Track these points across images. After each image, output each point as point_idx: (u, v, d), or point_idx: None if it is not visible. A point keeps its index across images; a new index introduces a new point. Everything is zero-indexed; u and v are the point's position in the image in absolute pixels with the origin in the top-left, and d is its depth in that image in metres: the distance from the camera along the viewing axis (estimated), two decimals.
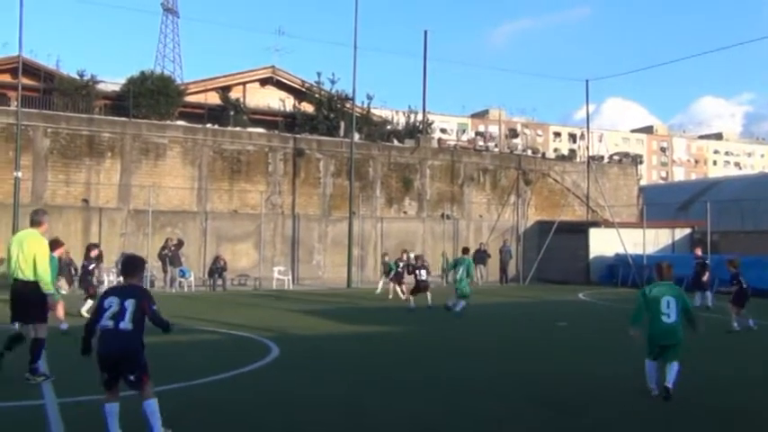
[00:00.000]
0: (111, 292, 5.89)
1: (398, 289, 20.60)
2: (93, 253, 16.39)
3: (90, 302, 14.31)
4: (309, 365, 9.66)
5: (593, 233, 29.95)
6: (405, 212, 29.50)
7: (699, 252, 18.96)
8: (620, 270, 28.39)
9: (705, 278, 17.91)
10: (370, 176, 28.78)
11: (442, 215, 29.89)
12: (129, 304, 5.59)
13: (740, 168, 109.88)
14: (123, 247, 24.27)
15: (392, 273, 21.17)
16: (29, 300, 8.02)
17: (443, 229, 29.50)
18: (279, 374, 8.99)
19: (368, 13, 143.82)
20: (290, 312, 16.54)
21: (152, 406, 5.54)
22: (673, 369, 7.40)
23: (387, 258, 22.59)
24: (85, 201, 23.98)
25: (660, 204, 35.46)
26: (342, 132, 29.13)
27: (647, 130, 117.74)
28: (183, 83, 35.29)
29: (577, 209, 32.95)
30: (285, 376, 8.84)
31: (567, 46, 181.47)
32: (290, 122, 31.55)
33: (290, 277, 25.47)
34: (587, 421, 6.89)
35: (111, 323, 5.54)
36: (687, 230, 31.14)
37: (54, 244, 12.80)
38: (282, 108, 33.94)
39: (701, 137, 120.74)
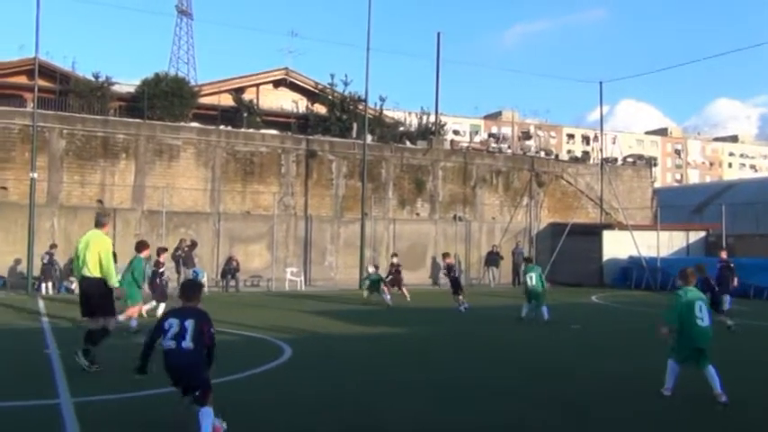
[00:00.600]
0: (171, 314, 6.08)
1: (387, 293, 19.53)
2: (162, 257, 16.32)
3: (162, 306, 14.32)
4: (322, 366, 9.68)
5: (607, 235, 29.80)
6: (417, 214, 29.49)
7: (724, 255, 18.32)
8: (634, 273, 28.26)
9: (735, 282, 17.38)
10: (383, 178, 28.80)
11: (455, 217, 29.85)
12: (189, 324, 5.84)
13: (756, 171, 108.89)
14: None
15: (377, 283, 20.04)
16: (96, 295, 8.79)
17: (456, 230, 29.46)
18: (292, 375, 9.01)
19: (381, 15, 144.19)
20: (303, 313, 16.57)
21: (207, 413, 5.76)
22: (713, 374, 7.45)
23: (372, 270, 21.47)
24: (100, 201, 24.16)
25: (674, 207, 35.20)
26: (354, 134, 29.18)
27: (662, 132, 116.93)
28: (197, 84, 35.48)
29: (591, 211, 32.80)
30: (298, 377, 8.87)
31: (581, 47, 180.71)
32: (303, 124, 31.66)
33: (303, 278, 25.54)
34: (603, 420, 6.85)
35: (173, 343, 5.78)
36: (702, 233, 30.90)
37: (141, 245, 13.07)
38: (295, 110, 34.05)
39: (716, 139, 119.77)
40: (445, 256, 19.48)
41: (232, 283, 23.75)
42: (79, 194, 23.93)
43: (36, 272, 21.28)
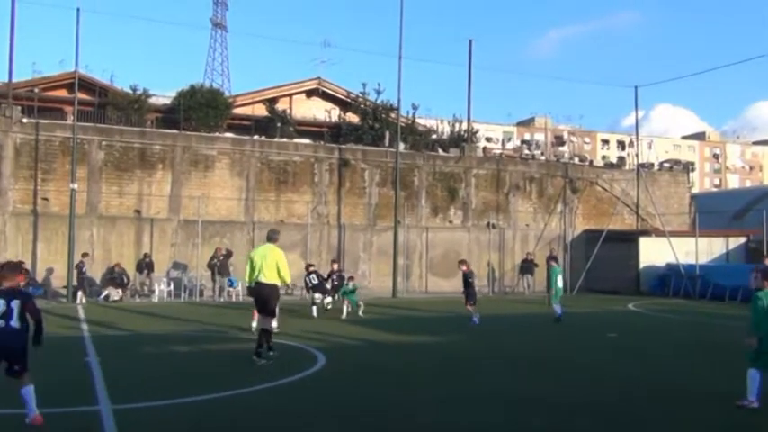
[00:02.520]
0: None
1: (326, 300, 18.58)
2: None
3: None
4: (355, 375, 9.70)
5: (644, 242, 29.32)
6: (450, 222, 29.41)
7: None
8: (672, 280, 27.71)
9: None
10: (415, 186, 28.81)
11: (488, 224, 29.69)
12: (15, 305, 6.34)
13: None
14: (174, 257, 24.83)
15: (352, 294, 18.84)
16: (269, 297, 10.51)
17: (489, 238, 29.29)
18: (325, 384, 9.04)
19: (413, 23, 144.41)
20: (336, 321, 16.62)
21: (29, 391, 6.37)
22: None
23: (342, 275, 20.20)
24: (137, 212, 24.60)
25: (713, 213, 34.45)
26: (387, 142, 29.24)
27: (699, 136, 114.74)
28: (231, 95, 35.93)
29: (627, 217, 32.33)
30: (331, 386, 8.89)
31: (615, 52, 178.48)
32: (336, 133, 31.83)
33: None
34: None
35: (2, 322, 6.28)
36: (742, 239, 30.22)
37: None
38: (328, 119, 34.28)
39: (756, 143, 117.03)
40: (461, 263, 17.75)
41: None
42: (117, 205, 24.40)
43: (74, 281, 21.72)
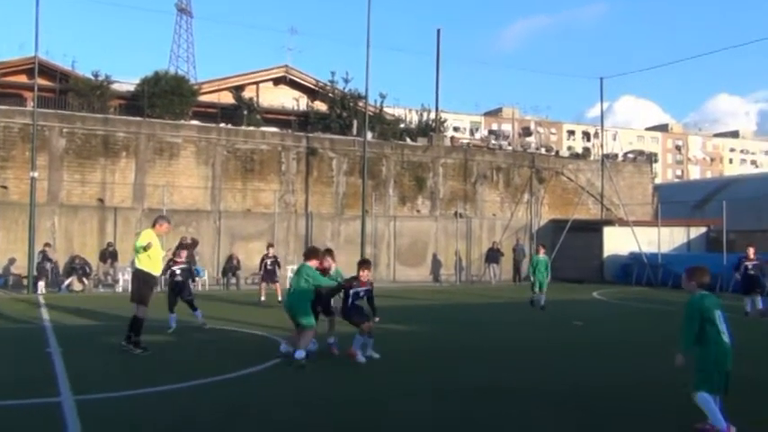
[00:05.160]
0: None
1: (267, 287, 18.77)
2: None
3: None
4: (321, 365, 9.67)
5: (608, 232, 29.80)
6: (418, 211, 29.49)
7: (752, 252, 16.62)
8: (635, 269, 28.24)
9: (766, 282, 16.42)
10: (383, 175, 28.80)
11: (455, 214, 29.84)
12: None
13: (756, 166, 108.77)
14: None
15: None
16: (137, 283, 10.18)
17: (456, 227, 29.45)
18: (291, 373, 9.00)
19: (381, 12, 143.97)
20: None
21: None
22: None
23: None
24: (101, 200, 24.17)
25: (675, 203, 35.15)
26: (355, 131, 29.17)
27: (662, 128, 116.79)
28: (197, 82, 35.49)
29: (591, 207, 32.79)
30: (297, 375, 8.86)
31: (582, 44, 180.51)
32: (303, 121, 31.67)
33: None
34: (606, 418, 6.85)
35: None
36: (703, 229, 30.89)
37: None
38: (296, 107, 34.05)
39: (717, 135, 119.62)
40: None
41: (233, 280, 23.76)
42: (79, 193, 23.94)
43: (34, 271, 21.28)
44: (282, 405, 7.22)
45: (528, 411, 7.07)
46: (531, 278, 18.11)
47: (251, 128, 28.13)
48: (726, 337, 6.06)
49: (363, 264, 10.45)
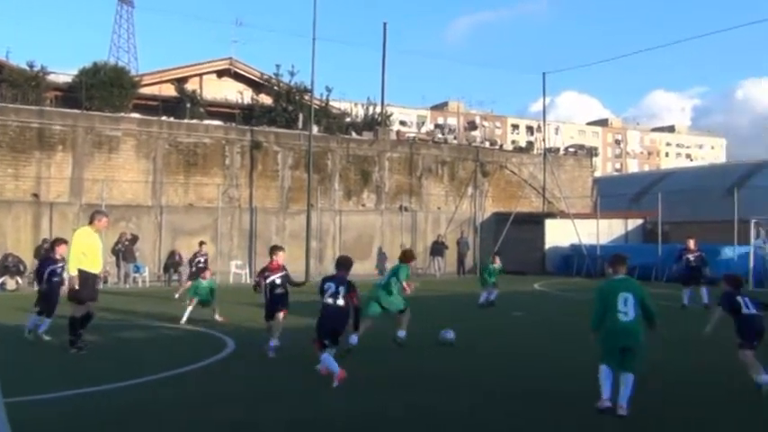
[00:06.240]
0: None
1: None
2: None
3: None
4: (264, 360, 9.63)
5: (549, 224, 30.46)
6: (363, 205, 29.53)
7: (692, 244, 17.06)
8: (575, 260, 28.98)
9: (707, 272, 16.56)
10: (329, 169, 28.73)
11: (401, 207, 30.01)
12: None
13: (691, 160, 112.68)
14: None
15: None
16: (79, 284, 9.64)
17: (402, 221, 29.63)
18: (233, 369, 8.95)
19: (328, 4, 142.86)
20: (248, 306, 16.40)
21: None
22: (627, 383, 6.57)
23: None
24: (35, 195, 23.40)
25: (614, 196, 36.22)
26: (300, 125, 28.97)
27: (602, 122, 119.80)
28: (138, 74, 34.60)
29: (534, 200, 33.42)
30: (240, 371, 8.81)
31: (525, 39, 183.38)
32: (248, 115, 31.24)
33: (248, 271, 25.28)
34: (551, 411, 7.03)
35: None
36: (639, 221, 31.88)
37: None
38: (240, 100, 33.58)
39: (654, 129, 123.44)
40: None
41: (175, 277, 23.36)
42: (13, 188, 23.12)
43: None
44: (225, 401, 7.17)
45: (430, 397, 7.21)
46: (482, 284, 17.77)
47: (194, 121, 27.64)
48: (624, 317, 6.65)
49: (274, 250, 10.39)
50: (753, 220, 23.76)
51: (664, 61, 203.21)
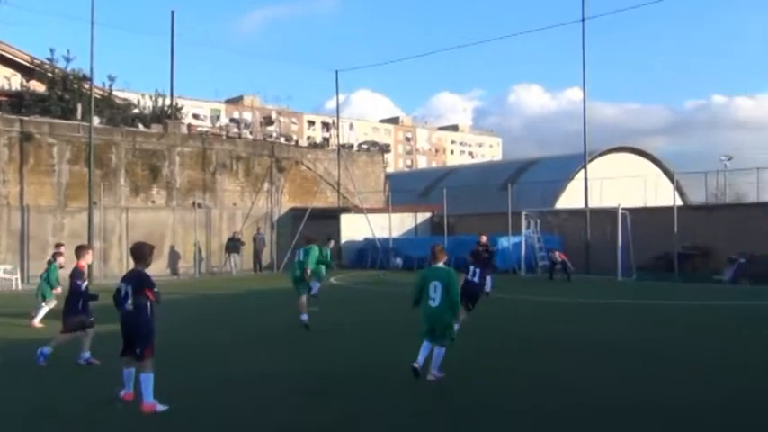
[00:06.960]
0: None
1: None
2: None
3: None
4: (37, 375, 8.72)
5: (344, 219, 31.18)
6: (153, 201, 28.00)
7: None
8: (369, 253, 29.96)
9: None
10: (113, 164, 26.83)
11: (194, 204, 28.91)
12: None
13: (473, 157, 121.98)
14: None
15: None
16: None
17: (195, 218, 28.55)
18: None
19: None
20: (17, 316, 14.80)
21: None
22: (436, 354, 7.78)
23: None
24: None
25: (405, 191, 38.03)
26: (79, 115, 26.69)
27: (394, 120, 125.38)
28: None
29: (330, 195, 33.97)
30: (8, 389, 7.89)
31: (319, 36, 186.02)
32: (18, 103, 28.15)
33: (19, 276, 22.81)
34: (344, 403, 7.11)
35: None
36: (428, 214, 33.74)
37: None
38: (7, 86, 30.16)
39: (441, 128, 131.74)
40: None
41: None
42: None
43: None
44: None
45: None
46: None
47: None
48: (432, 303, 7.76)
49: (80, 249, 9.62)
50: (524, 213, 26.19)
51: (448, 64, 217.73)
